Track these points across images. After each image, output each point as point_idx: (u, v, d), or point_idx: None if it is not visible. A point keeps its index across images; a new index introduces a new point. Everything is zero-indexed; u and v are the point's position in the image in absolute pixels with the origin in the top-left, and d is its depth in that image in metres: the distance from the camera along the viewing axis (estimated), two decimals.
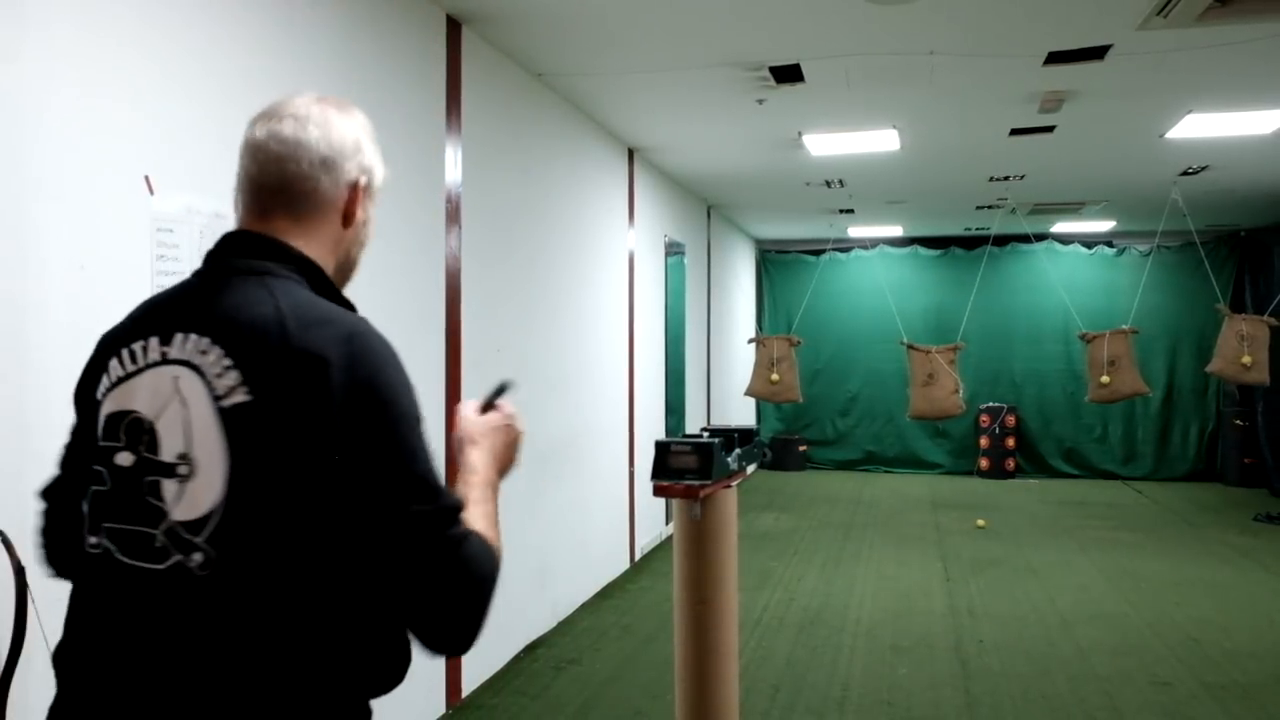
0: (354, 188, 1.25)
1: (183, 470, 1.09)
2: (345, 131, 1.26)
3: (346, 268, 1.31)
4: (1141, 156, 7.10)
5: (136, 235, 2.40)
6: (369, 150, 1.29)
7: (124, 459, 1.12)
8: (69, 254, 2.22)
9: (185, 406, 1.10)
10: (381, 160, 1.32)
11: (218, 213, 2.61)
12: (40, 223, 2.16)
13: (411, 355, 4.45)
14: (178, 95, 2.55)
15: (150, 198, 2.43)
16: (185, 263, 2.51)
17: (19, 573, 1.88)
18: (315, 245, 1.23)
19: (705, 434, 3.13)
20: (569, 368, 5.60)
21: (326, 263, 1.24)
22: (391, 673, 1.16)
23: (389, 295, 3.56)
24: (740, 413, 10.92)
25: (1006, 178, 7.99)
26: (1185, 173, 7.64)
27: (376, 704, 1.17)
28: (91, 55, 2.29)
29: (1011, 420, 11.32)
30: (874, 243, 12.08)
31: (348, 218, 1.26)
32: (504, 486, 1.33)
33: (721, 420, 9.99)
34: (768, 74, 4.99)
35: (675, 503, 2.94)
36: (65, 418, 1.29)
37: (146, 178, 2.42)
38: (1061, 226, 11.05)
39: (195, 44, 2.63)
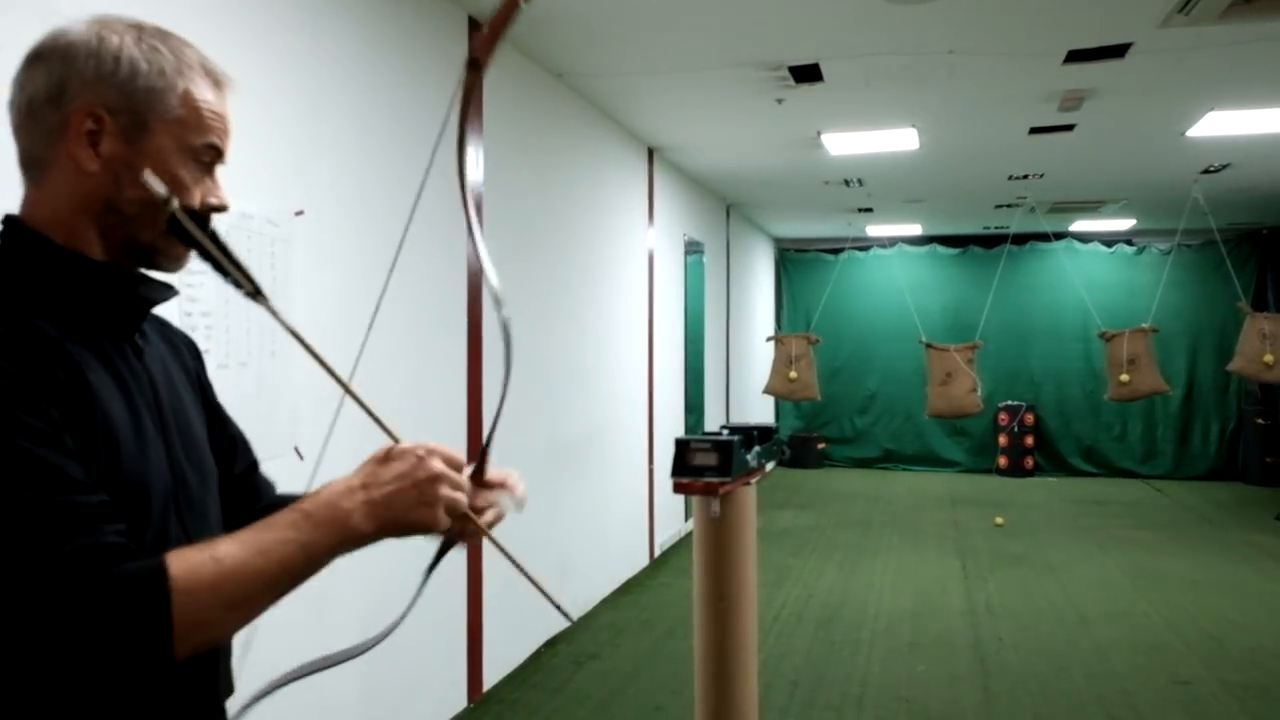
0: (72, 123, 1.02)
1: None
2: (38, 63, 1.03)
3: (116, 220, 1.04)
4: (1162, 155, 7.07)
5: None
6: (83, 68, 1.03)
7: None
8: None
9: None
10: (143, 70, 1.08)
11: (244, 213, 2.65)
12: None
13: (433, 354, 4.44)
14: None
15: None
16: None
17: None
18: (43, 206, 1.04)
19: (724, 432, 3.15)
20: (589, 366, 5.64)
21: (66, 221, 1.03)
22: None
23: (411, 295, 3.60)
24: (759, 410, 10.93)
25: (1026, 176, 7.97)
26: (1206, 171, 7.60)
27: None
28: None
29: (1030, 418, 11.28)
30: (892, 241, 12.07)
31: (78, 159, 1.02)
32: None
33: (740, 418, 10.01)
34: (787, 74, 5.01)
35: (695, 500, 2.96)
36: None
37: None
38: (1081, 225, 11.00)
39: (220, 44, 2.66)
